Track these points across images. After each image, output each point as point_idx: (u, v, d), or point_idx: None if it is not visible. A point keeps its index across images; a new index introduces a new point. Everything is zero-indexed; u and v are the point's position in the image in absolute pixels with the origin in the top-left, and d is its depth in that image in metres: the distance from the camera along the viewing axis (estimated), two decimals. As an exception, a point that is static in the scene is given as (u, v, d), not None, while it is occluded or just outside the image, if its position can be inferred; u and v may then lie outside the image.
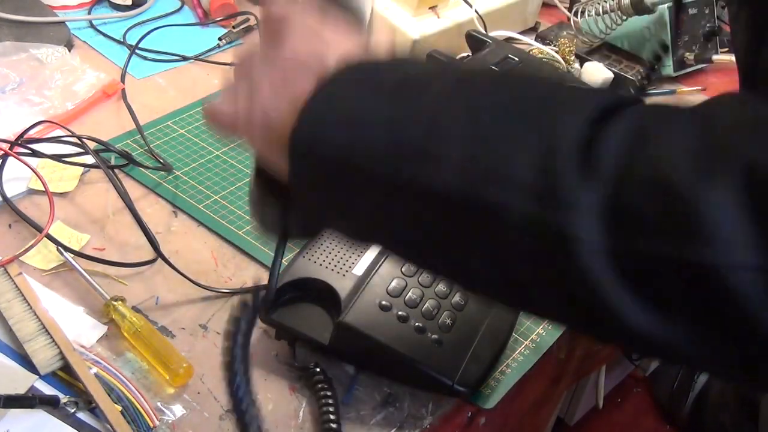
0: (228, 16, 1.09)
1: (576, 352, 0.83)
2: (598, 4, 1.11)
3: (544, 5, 1.23)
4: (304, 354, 0.65)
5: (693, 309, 0.34)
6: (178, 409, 0.60)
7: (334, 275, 0.66)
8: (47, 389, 0.59)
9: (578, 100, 0.38)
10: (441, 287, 0.68)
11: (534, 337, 0.72)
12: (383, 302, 0.65)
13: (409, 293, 0.66)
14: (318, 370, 0.63)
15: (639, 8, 1.07)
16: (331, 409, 0.61)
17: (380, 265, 0.68)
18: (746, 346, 0.34)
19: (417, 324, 0.64)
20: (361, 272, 0.67)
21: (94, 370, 0.61)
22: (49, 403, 0.57)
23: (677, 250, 0.33)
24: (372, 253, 0.69)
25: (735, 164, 0.32)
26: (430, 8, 1.04)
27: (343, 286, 0.65)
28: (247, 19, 1.08)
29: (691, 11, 1.14)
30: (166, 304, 0.69)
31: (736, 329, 0.33)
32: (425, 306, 0.66)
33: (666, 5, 1.11)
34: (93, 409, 0.58)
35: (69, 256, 0.69)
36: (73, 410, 0.58)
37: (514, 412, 0.73)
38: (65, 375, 0.61)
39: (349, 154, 0.40)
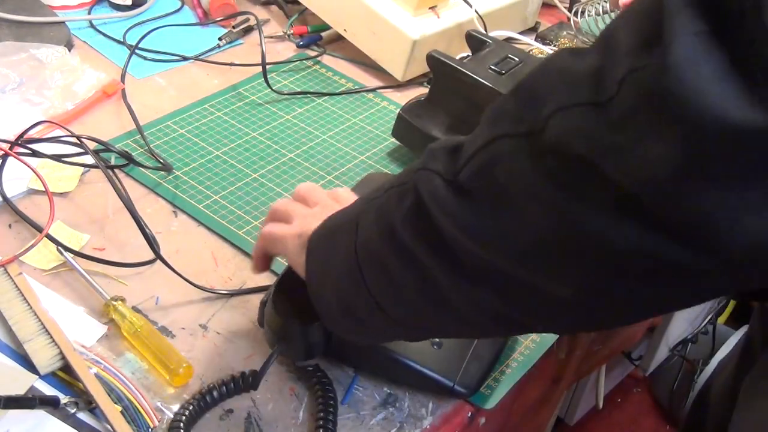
0: (228, 16, 1.09)
1: (576, 352, 0.83)
2: (598, 4, 1.11)
3: (544, 5, 1.23)
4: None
5: None
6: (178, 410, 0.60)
7: None
8: (47, 389, 0.59)
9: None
10: None
11: (534, 337, 0.72)
12: None
13: None
14: (317, 371, 0.63)
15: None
16: (330, 409, 0.61)
17: None
18: None
19: None
20: None
21: (94, 370, 0.61)
22: (50, 404, 0.57)
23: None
24: None
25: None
26: (430, 8, 1.04)
27: None
28: (247, 19, 1.08)
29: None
30: (166, 304, 0.69)
31: None
32: None
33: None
34: (93, 409, 0.59)
35: (69, 256, 0.69)
36: (73, 410, 0.58)
37: (514, 412, 0.73)
38: (65, 375, 0.61)
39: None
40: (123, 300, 0.66)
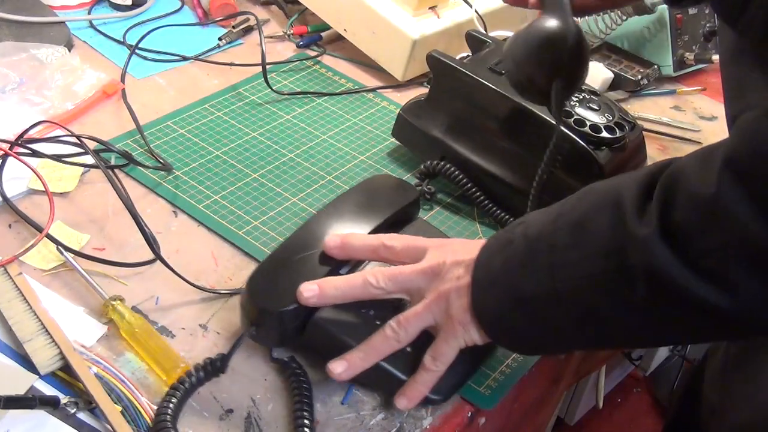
0: (228, 16, 1.09)
1: (576, 352, 0.83)
2: (598, 4, 1.11)
3: (544, 5, 1.22)
4: (282, 348, 0.65)
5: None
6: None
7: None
8: (47, 389, 0.59)
9: (631, 179, 0.53)
10: None
11: (534, 337, 0.72)
12: (360, 304, 0.63)
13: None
14: (293, 362, 0.63)
15: (639, 8, 1.07)
16: (305, 400, 0.61)
17: (365, 266, 0.67)
18: None
19: None
20: (345, 272, 0.66)
21: (94, 370, 0.61)
22: (50, 404, 0.57)
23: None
24: None
25: (722, 166, 0.47)
26: (430, 8, 1.04)
27: None
28: (247, 19, 1.08)
29: (691, 11, 1.14)
30: (166, 304, 0.69)
31: None
32: (402, 309, 0.64)
33: (666, 5, 1.11)
34: (93, 409, 0.58)
35: (69, 255, 0.69)
36: (73, 410, 0.58)
37: (514, 412, 0.73)
38: (65, 375, 0.61)
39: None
40: (122, 300, 0.66)
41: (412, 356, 0.62)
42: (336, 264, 0.65)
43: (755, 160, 0.46)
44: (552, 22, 0.66)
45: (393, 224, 0.71)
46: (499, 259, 0.58)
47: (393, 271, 0.63)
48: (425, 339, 0.62)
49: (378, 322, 0.62)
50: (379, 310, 0.63)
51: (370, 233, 0.68)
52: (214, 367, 0.62)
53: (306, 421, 0.59)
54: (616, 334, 0.56)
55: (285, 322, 0.62)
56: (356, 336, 0.62)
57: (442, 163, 0.85)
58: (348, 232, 0.66)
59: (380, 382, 0.63)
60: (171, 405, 0.58)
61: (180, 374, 0.61)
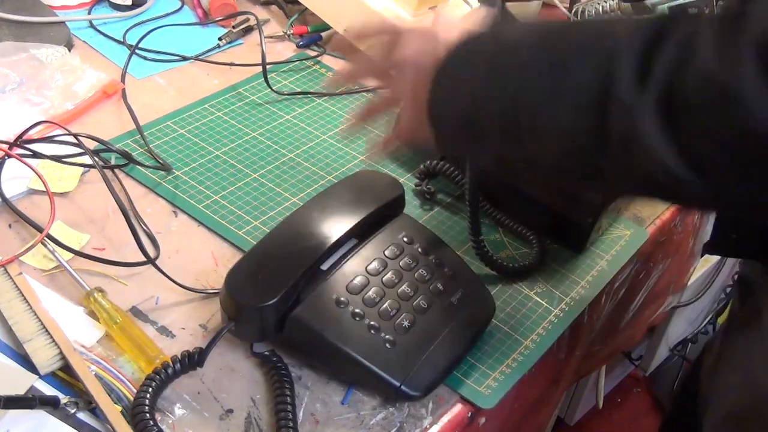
0: (228, 16, 1.09)
1: (576, 352, 0.83)
2: (598, 4, 1.11)
3: (544, 5, 1.23)
4: (262, 342, 0.66)
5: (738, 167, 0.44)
6: (178, 409, 0.60)
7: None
8: (47, 389, 0.59)
9: (630, 30, 0.49)
10: (405, 289, 0.67)
11: (534, 337, 0.72)
12: (340, 298, 0.64)
13: (369, 292, 0.65)
14: (273, 356, 0.64)
15: (639, 8, 1.06)
16: (287, 392, 0.61)
17: (346, 262, 0.67)
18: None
19: (371, 323, 0.63)
20: (326, 267, 0.67)
21: (94, 370, 0.61)
22: (50, 404, 0.57)
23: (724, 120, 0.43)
24: (342, 249, 0.68)
25: (747, 43, 0.42)
26: (430, 8, 1.04)
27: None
28: (247, 19, 1.08)
29: (691, 11, 1.14)
30: (166, 305, 0.69)
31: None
32: (383, 306, 0.65)
33: (666, 5, 1.11)
34: (93, 409, 0.59)
35: (60, 255, 0.69)
36: (73, 411, 0.58)
37: (514, 412, 0.73)
38: (65, 375, 0.61)
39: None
40: (103, 291, 0.66)
41: (394, 352, 0.63)
42: (316, 259, 0.66)
43: None
44: None
45: (377, 219, 0.72)
46: (463, 52, 0.58)
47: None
48: (414, 338, 0.64)
49: (357, 318, 0.63)
50: (357, 305, 0.64)
51: (352, 228, 0.68)
52: (191, 361, 0.62)
53: (289, 414, 0.60)
54: (542, 149, 0.53)
55: (264, 318, 0.62)
56: (336, 331, 0.63)
57: (442, 162, 0.85)
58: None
59: (358, 375, 0.64)
60: (148, 394, 0.59)
61: (158, 365, 0.61)
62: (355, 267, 0.67)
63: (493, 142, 0.56)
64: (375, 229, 0.71)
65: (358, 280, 0.66)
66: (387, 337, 0.63)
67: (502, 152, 0.57)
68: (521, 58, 0.53)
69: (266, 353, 0.64)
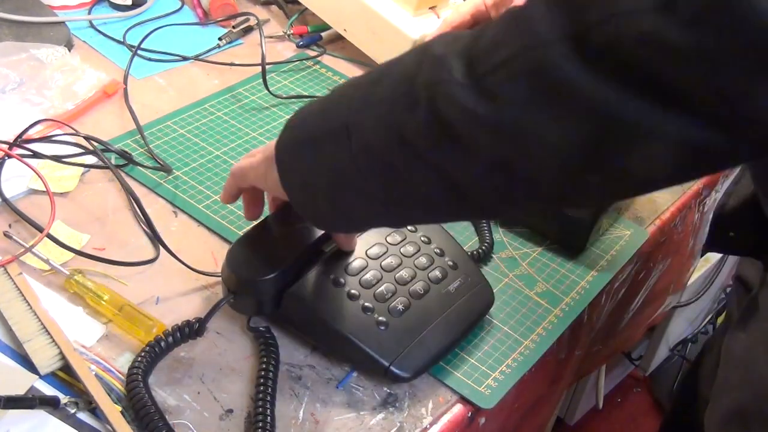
0: (228, 16, 1.09)
1: (576, 352, 0.83)
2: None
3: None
4: (258, 318, 0.67)
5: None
6: (178, 409, 0.60)
7: None
8: (47, 389, 0.59)
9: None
10: (403, 274, 0.68)
11: (534, 337, 0.72)
12: (339, 279, 0.66)
13: (367, 275, 0.67)
14: (267, 332, 0.66)
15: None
16: (271, 368, 0.63)
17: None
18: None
19: (365, 304, 0.65)
20: (328, 248, 0.68)
21: (94, 370, 0.61)
22: (50, 404, 0.57)
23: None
24: None
25: None
26: (430, 8, 1.04)
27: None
28: (247, 19, 1.08)
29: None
30: (166, 304, 0.69)
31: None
32: (379, 289, 0.66)
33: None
34: (93, 409, 0.59)
35: (54, 262, 0.69)
36: (73, 411, 0.58)
37: (514, 412, 0.73)
38: (65, 375, 0.61)
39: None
40: (82, 272, 0.67)
41: (386, 334, 0.64)
42: (317, 238, 0.67)
43: None
44: None
45: None
46: (305, 113, 0.57)
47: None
48: (407, 322, 0.65)
49: (352, 299, 0.65)
50: (354, 286, 0.66)
51: None
52: (191, 329, 0.63)
53: (269, 381, 0.62)
54: (392, 181, 0.51)
55: (262, 292, 0.64)
56: (329, 309, 0.64)
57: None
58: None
59: (349, 354, 0.65)
60: (144, 362, 0.60)
61: (156, 334, 0.63)
62: (356, 249, 0.68)
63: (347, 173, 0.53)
64: None
65: (358, 263, 0.67)
66: (380, 318, 0.65)
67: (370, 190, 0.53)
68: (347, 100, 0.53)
69: (261, 328, 0.66)
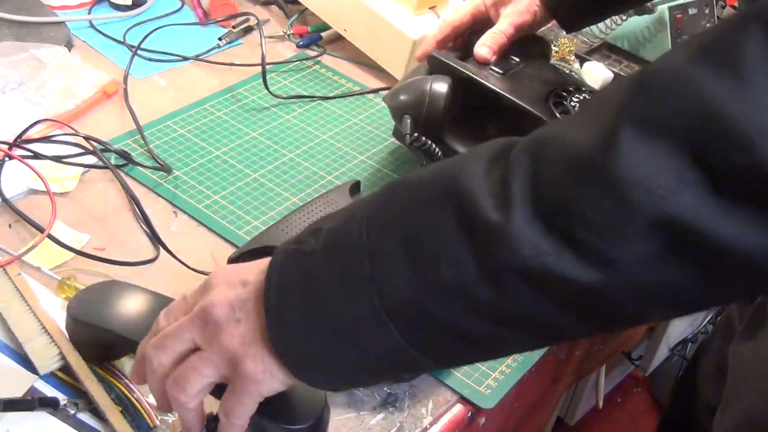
0: (228, 16, 1.09)
1: (576, 352, 0.83)
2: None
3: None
4: None
5: None
6: (178, 409, 0.60)
7: None
8: (47, 389, 0.59)
9: (470, 158, 0.42)
10: None
11: (534, 337, 0.72)
12: None
13: None
14: None
15: (639, 8, 1.07)
16: None
17: None
18: None
19: None
20: None
21: (94, 369, 0.60)
22: (49, 405, 0.57)
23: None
24: None
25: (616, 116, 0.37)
26: (430, 8, 1.04)
27: None
28: (247, 19, 1.08)
29: (691, 11, 1.14)
30: (166, 304, 0.69)
31: None
32: None
33: (666, 5, 1.11)
34: (93, 409, 0.58)
35: (44, 269, 0.69)
36: (73, 411, 0.58)
37: (514, 412, 0.73)
38: (65, 376, 0.61)
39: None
40: (74, 276, 0.68)
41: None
42: None
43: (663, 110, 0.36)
44: (424, 85, 0.80)
45: None
46: (296, 280, 0.44)
47: (157, 338, 0.48)
48: None
49: None
50: None
51: None
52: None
53: None
54: (460, 348, 0.43)
55: None
56: None
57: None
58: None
59: None
60: None
61: None
62: None
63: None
64: None
65: None
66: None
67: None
68: (367, 250, 0.42)
69: None
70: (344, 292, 0.42)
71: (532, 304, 0.40)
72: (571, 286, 0.38)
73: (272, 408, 0.48)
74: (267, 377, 0.45)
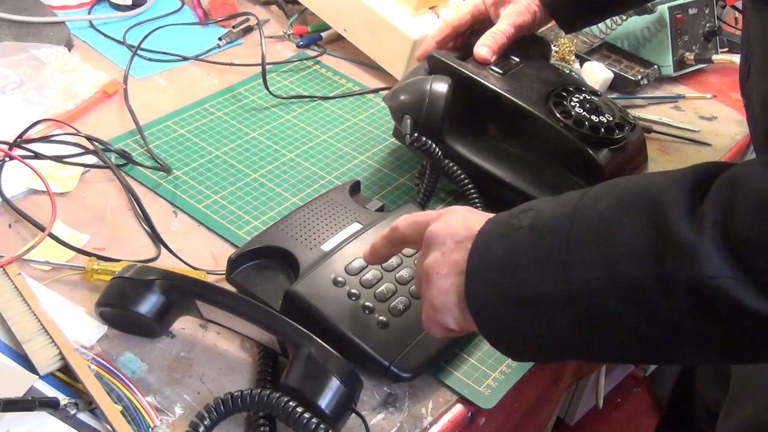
0: (228, 16, 1.09)
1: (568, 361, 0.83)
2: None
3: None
4: None
5: None
6: (178, 409, 0.60)
7: (301, 247, 0.69)
8: (47, 389, 0.59)
9: (677, 176, 0.47)
10: (403, 273, 0.69)
11: (534, 337, 0.72)
12: (338, 278, 0.66)
13: (367, 274, 0.67)
14: None
15: (639, 8, 1.07)
16: (270, 367, 0.63)
17: (347, 244, 0.69)
18: None
19: (366, 303, 0.65)
20: (329, 249, 0.69)
21: (94, 369, 0.61)
22: (49, 405, 0.57)
23: None
24: (344, 233, 0.71)
25: None
26: (430, 8, 1.04)
27: (306, 258, 0.68)
28: (247, 19, 1.08)
29: (691, 11, 1.14)
30: (166, 304, 0.69)
31: None
32: (380, 288, 0.67)
33: (666, 5, 1.11)
34: (93, 409, 0.58)
35: (55, 261, 0.69)
36: (73, 411, 0.58)
37: (514, 412, 0.73)
38: (65, 376, 0.61)
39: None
40: (97, 258, 0.69)
41: (386, 333, 0.64)
42: (316, 239, 0.70)
43: None
44: (424, 85, 0.81)
45: (381, 207, 0.76)
46: (500, 249, 0.52)
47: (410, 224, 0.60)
48: (408, 322, 0.65)
49: (353, 298, 0.65)
50: (354, 286, 0.66)
51: (356, 212, 0.74)
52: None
53: (269, 382, 0.62)
54: (628, 345, 0.49)
55: None
56: (330, 309, 0.64)
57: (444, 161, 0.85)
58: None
59: (350, 353, 0.63)
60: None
61: None
62: (356, 249, 0.69)
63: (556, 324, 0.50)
64: (380, 217, 0.73)
65: (357, 262, 0.68)
66: (380, 318, 0.65)
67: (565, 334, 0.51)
68: (567, 236, 0.49)
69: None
70: (538, 270, 0.49)
71: (692, 321, 0.44)
72: (743, 313, 0.42)
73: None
74: (445, 299, 0.55)
